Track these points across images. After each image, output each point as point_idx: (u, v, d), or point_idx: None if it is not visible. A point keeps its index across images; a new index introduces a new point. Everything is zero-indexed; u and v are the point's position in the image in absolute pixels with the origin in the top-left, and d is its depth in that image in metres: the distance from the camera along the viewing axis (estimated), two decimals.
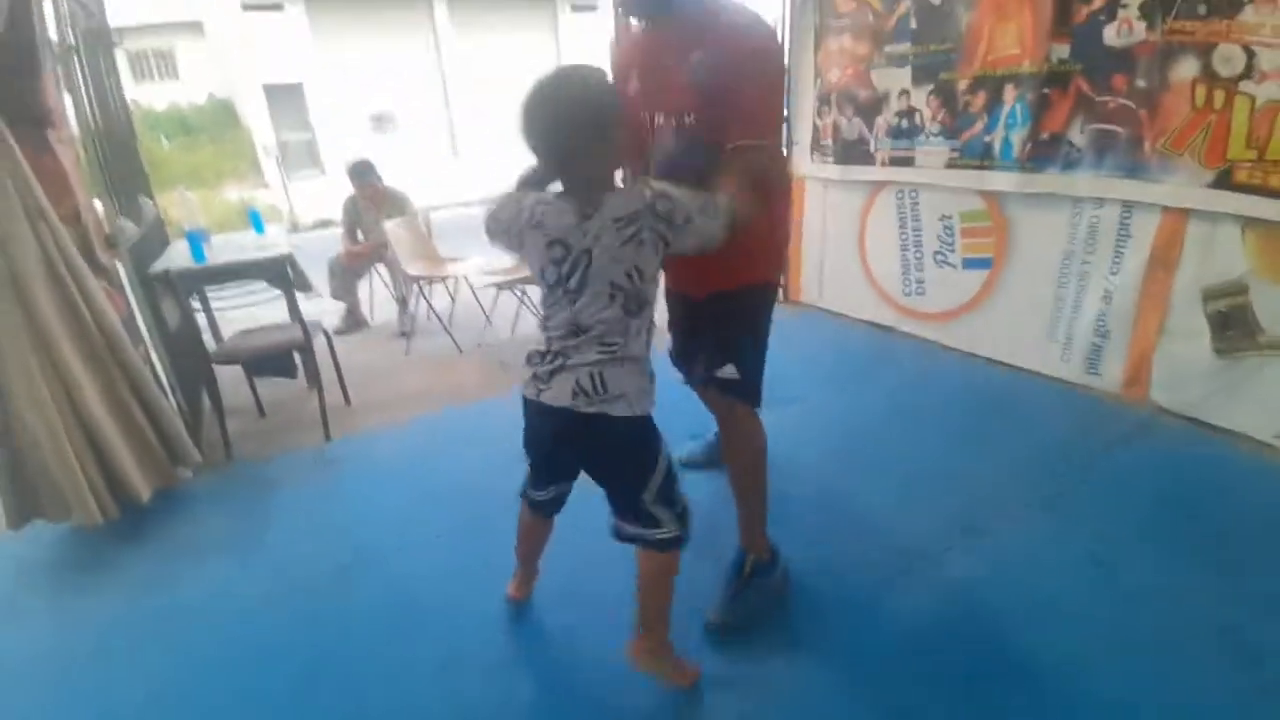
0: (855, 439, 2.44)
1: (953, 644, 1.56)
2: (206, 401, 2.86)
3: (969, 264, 3.01)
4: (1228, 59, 2.09)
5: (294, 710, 1.49)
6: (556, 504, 1.55)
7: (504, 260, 3.81)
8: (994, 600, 1.68)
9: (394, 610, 1.76)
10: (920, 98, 2.99)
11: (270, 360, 2.85)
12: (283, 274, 2.88)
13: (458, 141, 13.77)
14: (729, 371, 1.54)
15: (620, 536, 1.37)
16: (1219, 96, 2.13)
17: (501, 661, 1.59)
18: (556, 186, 1.26)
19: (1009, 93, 2.66)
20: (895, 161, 3.19)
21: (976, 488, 2.10)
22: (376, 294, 4.38)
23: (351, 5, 12.69)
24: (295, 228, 9.66)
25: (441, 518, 2.15)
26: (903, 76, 3.04)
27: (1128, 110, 2.36)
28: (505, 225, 1.28)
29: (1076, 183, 2.53)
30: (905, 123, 3.09)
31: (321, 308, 4.23)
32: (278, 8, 12.23)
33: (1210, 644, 1.50)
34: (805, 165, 3.68)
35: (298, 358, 2.92)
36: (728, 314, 1.55)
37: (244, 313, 4.07)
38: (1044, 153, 2.59)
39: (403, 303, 3.92)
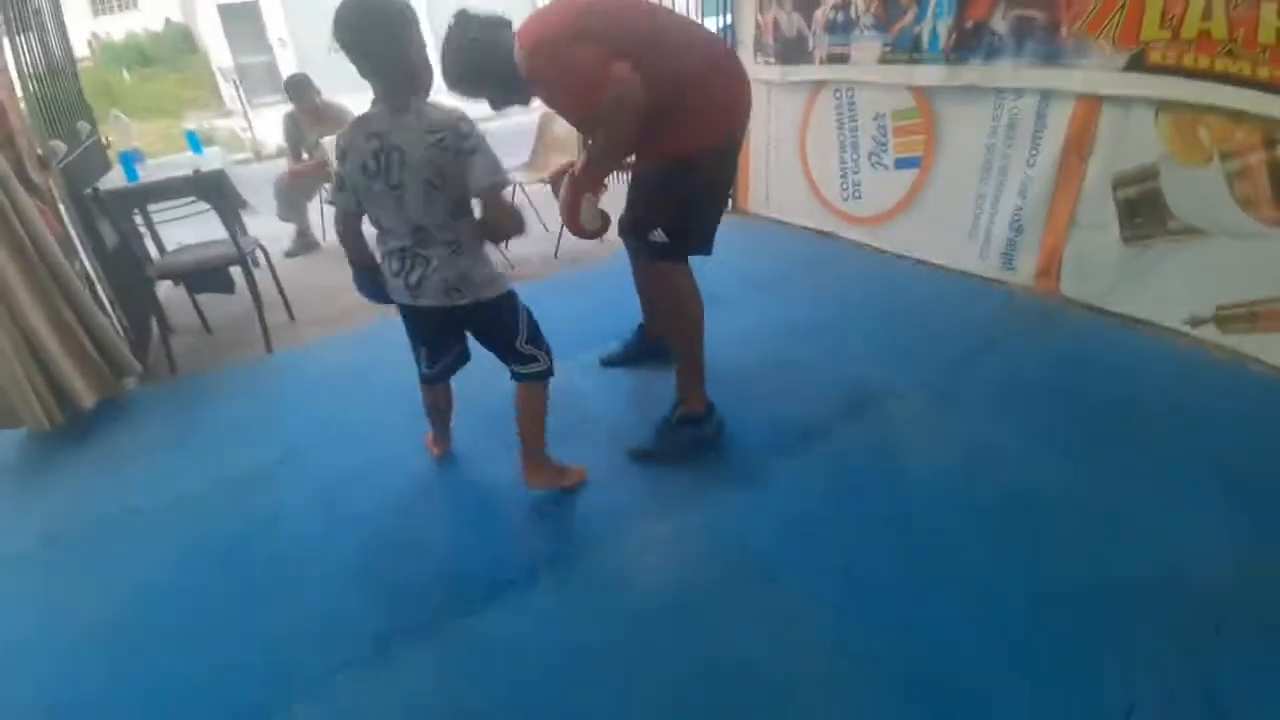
0: (775, 339, 2.53)
1: (827, 513, 1.70)
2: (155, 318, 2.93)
3: (900, 164, 3.03)
4: None
5: (221, 596, 1.60)
6: (449, 370, 1.84)
7: None
8: (867, 472, 1.82)
9: (316, 500, 1.88)
10: None
11: (206, 276, 2.88)
12: (215, 191, 2.89)
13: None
14: (659, 235, 1.76)
15: (513, 376, 1.71)
16: None
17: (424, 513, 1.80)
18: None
19: None
20: (832, 59, 3.14)
21: (872, 380, 2.20)
22: (329, 216, 4.36)
23: None
24: (258, 155, 9.39)
25: (371, 414, 2.26)
26: None
27: None
28: (341, 150, 1.46)
29: (998, 73, 2.53)
30: (841, 16, 3.03)
31: (275, 230, 4.24)
32: None
33: (1084, 522, 1.59)
34: (749, 67, 3.61)
35: (240, 274, 2.96)
36: (652, 186, 1.80)
37: (193, 231, 4.06)
38: (968, 42, 2.57)
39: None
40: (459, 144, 1.39)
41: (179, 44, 14.25)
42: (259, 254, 3.00)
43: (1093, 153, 2.38)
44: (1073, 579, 1.42)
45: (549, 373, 1.71)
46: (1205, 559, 1.43)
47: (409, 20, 1.36)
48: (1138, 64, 2.16)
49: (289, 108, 4.01)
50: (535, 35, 1.64)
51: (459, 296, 1.52)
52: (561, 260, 3.59)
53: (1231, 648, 1.24)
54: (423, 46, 1.40)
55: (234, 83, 11.05)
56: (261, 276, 3.10)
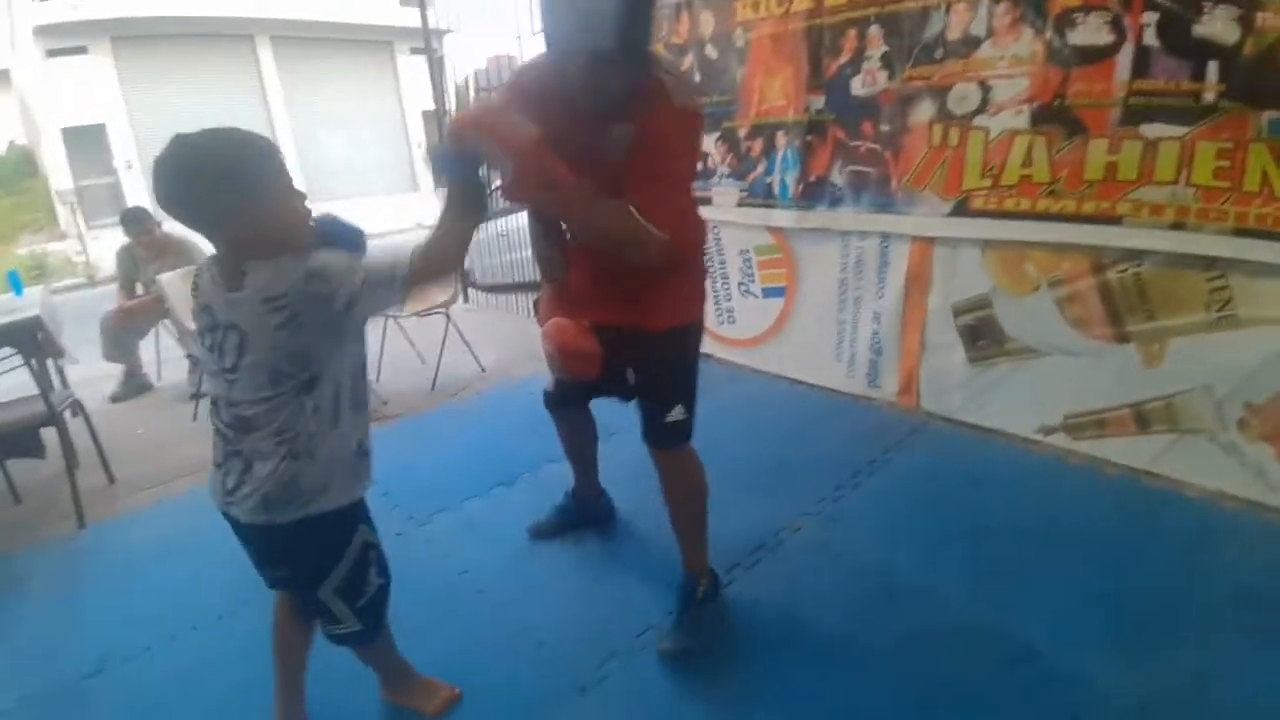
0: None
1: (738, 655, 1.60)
2: None
3: (768, 292, 3.23)
4: (963, 97, 2.35)
5: None
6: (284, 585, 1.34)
7: None
8: (771, 624, 1.75)
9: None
10: (710, 143, 3.20)
11: (12, 440, 2.45)
12: (29, 340, 2.52)
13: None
14: (678, 413, 1.51)
15: (326, 636, 1.31)
16: (954, 134, 2.40)
17: None
18: None
19: (780, 139, 2.92)
20: (698, 201, 3.36)
21: (766, 511, 2.18)
22: (167, 351, 3.94)
23: (165, 44, 11.71)
24: (92, 280, 8.55)
25: (200, 598, 1.93)
26: None
27: (876, 153, 2.65)
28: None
29: (841, 218, 2.80)
30: (701, 165, 3.29)
31: (100, 372, 3.75)
32: (81, 51, 11.06)
33: (961, 641, 1.63)
34: None
35: (53, 435, 2.54)
36: (682, 352, 1.54)
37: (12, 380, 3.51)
38: (813, 192, 2.85)
39: (192, 360, 3.54)
40: (323, 314, 1.03)
41: (20, 167, 13.10)
42: (78, 406, 2.60)
43: (932, 286, 2.65)
44: None
45: (357, 638, 1.31)
46: (1107, 695, 1.45)
47: (239, 175, 1.02)
48: (962, 210, 2.46)
49: (125, 241, 3.67)
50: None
51: (280, 512, 1.11)
52: (439, 393, 3.42)
53: None
54: (270, 197, 1.05)
55: (70, 205, 10.18)
56: (80, 430, 2.69)
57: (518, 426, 2.83)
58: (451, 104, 5.92)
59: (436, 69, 4.71)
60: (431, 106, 4.90)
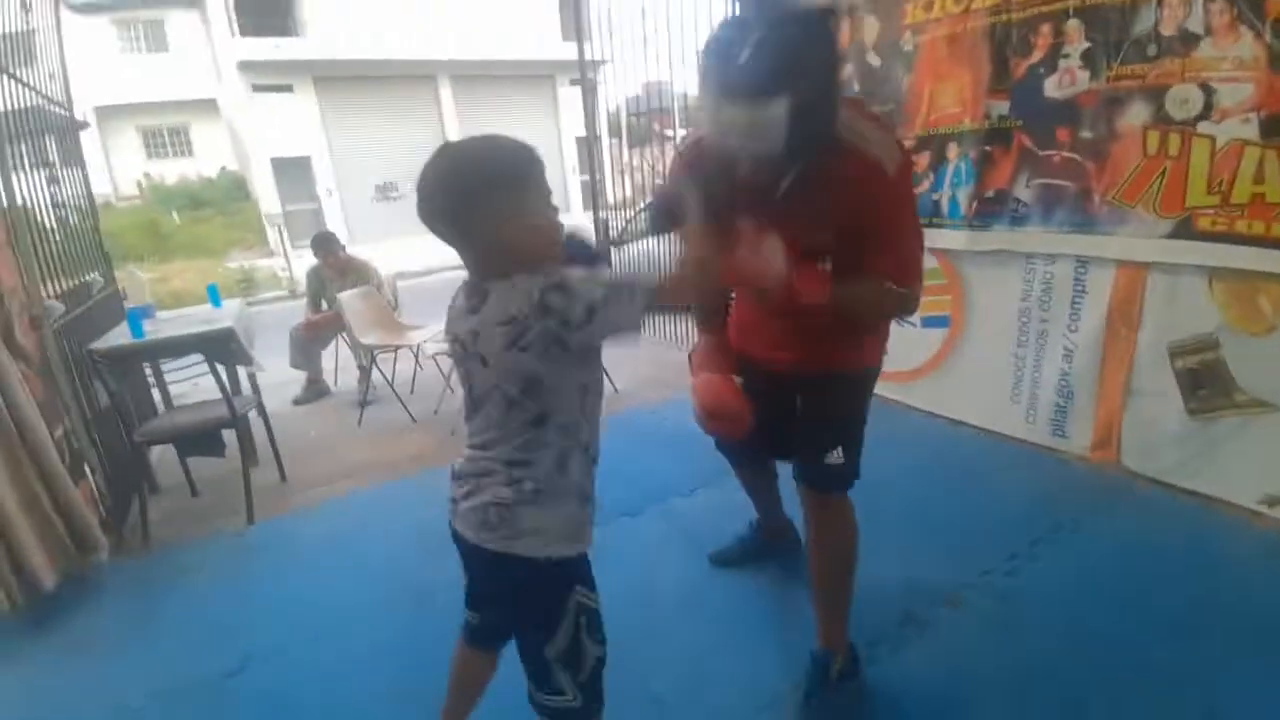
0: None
1: None
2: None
3: (928, 322, 2.90)
4: (1184, 100, 2.00)
5: None
6: (493, 635, 1.24)
7: None
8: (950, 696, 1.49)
9: None
10: None
11: (195, 439, 2.76)
12: (221, 350, 2.83)
13: None
14: (836, 456, 1.41)
15: (532, 702, 1.13)
16: (1174, 141, 2.03)
17: None
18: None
19: (952, 151, 2.61)
20: None
21: (918, 583, 1.89)
22: (345, 360, 4.34)
23: (360, 85, 13.30)
24: (294, 294, 9.80)
25: (354, 598, 2.00)
26: None
27: (1074, 163, 2.28)
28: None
29: (1026, 239, 2.44)
30: None
31: (288, 377, 4.20)
32: (287, 89, 12.85)
33: None
34: None
35: (233, 434, 2.83)
36: (852, 395, 1.45)
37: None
38: (990, 209, 2.51)
39: (363, 371, 3.86)
40: (558, 331, 0.94)
41: (232, 191, 15.51)
42: (261, 409, 2.89)
43: (1143, 320, 2.22)
44: None
45: (582, 715, 1.12)
46: None
47: (509, 181, 0.97)
48: (1184, 231, 2.05)
49: (314, 262, 4.10)
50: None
51: (489, 537, 1.04)
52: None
53: None
54: (531, 208, 0.98)
55: (278, 227, 11.80)
56: (261, 431, 2.99)
57: (647, 453, 2.74)
58: (603, 128, 6.10)
59: (589, 98, 4.84)
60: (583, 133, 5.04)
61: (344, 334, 4.08)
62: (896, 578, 1.87)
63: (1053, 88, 2.29)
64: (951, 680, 1.55)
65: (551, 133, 15.07)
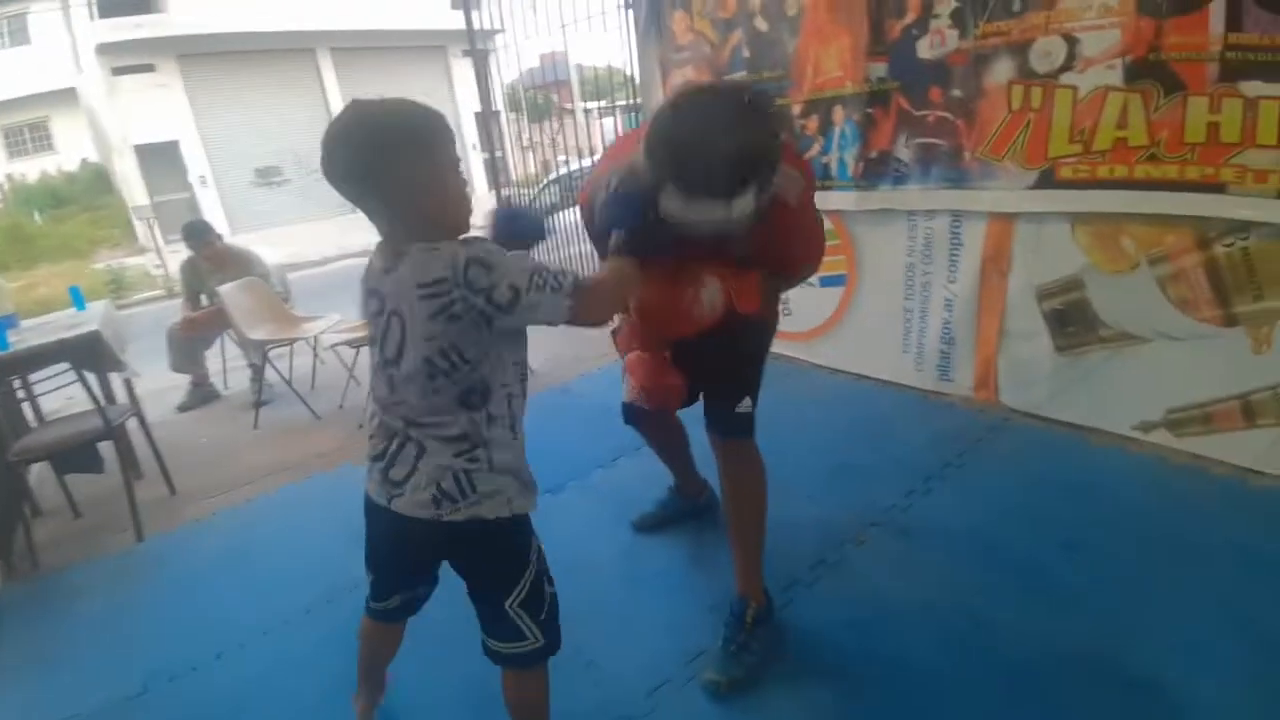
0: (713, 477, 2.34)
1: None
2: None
3: (826, 281, 3.01)
4: (1047, 53, 2.10)
5: None
6: (409, 608, 1.29)
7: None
8: (835, 651, 1.58)
9: None
10: None
11: (71, 455, 2.52)
12: (88, 356, 2.59)
13: None
14: (745, 405, 1.51)
15: (488, 653, 1.16)
16: (1037, 94, 2.15)
17: None
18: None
19: (838, 114, 2.70)
20: None
21: (830, 523, 2.00)
22: (233, 360, 4.06)
23: (231, 61, 12.25)
24: (170, 293, 9.02)
25: (258, 621, 1.89)
26: None
27: (946, 122, 2.41)
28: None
29: (907, 197, 2.57)
30: None
31: (169, 383, 3.89)
32: (148, 69, 11.66)
33: (1069, 673, 1.44)
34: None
35: (112, 447, 2.60)
36: (754, 347, 1.55)
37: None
38: (875, 170, 2.63)
39: (255, 369, 3.62)
40: (482, 306, 0.94)
41: (94, 184, 14.01)
42: (139, 418, 2.65)
43: (1012, 267, 2.39)
44: None
45: (545, 652, 1.15)
46: None
47: (420, 140, 0.97)
48: (1047, 181, 2.20)
49: (188, 254, 3.78)
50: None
51: (449, 509, 1.02)
52: None
53: None
54: (443, 172, 1.00)
55: (147, 221, 10.79)
56: (143, 441, 2.76)
57: (566, 431, 2.73)
58: (500, 103, 5.89)
59: (482, 69, 4.66)
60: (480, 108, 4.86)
61: (230, 331, 3.81)
62: (807, 524, 1.97)
63: (925, 49, 2.40)
64: (864, 612, 1.65)
65: (448, 107, 14.45)
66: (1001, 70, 2.22)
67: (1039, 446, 2.30)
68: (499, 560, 1.11)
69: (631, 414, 1.81)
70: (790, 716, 1.41)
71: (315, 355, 3.81)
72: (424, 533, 1.05)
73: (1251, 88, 1.77)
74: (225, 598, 2.03)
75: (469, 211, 1.05)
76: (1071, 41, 2.05)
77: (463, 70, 14.14)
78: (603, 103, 5.33)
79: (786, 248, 1.43)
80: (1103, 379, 2.26)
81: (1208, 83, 1.83)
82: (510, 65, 4.49)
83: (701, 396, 1.59)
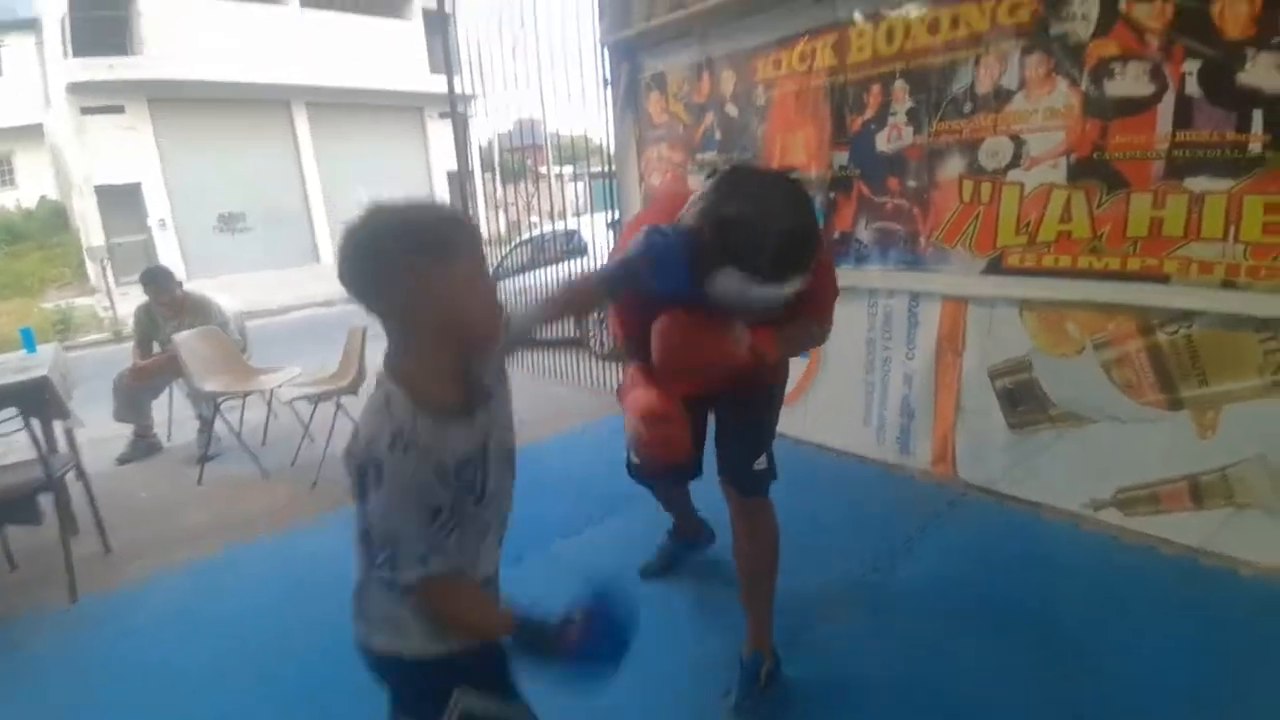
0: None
1: None
2: None
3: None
4: (994, 152, 2.27)
5: None
6: None
7: (325, 369, 3.53)
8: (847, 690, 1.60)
9: None
10: None
11: (7, 506, 2.36)
12: (35, 401, 2.47)
13: (320, 243, 13.30)
14: (762, 462, 1.57)
15: None
16: (986, 189, 2.31)
17: None
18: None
19: None
20: None
21: (799, 596, 1.97)
22: (180, 411, 3.89)
23: (202, 108, 12.22)
24: (118, 336, 8.69)
25: (182, 700, 1.77)
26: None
27: (903, 209, 2.56)
28: None
29: (868, 276, 2.70)
30: None
31: (111, 432, 3.71)
32: (118, 110, 11.55)
33: None
34: None
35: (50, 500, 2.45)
36: (769, 407, 1.63)
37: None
38: (838, 250, 2.75)
39: (204, 422, 3.48)
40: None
41: (50, 221, 13.62)
42: (79, 471, 2.52)
43: (966, 346, 2.51)
44: None
45: None
46: None
47: (433, 251, 0.82)
48: (996, 267, 2.34)
49: (143, 300, 3.67)
50: None
51: (360, 632, 0.96)
52: None
53: None
54: (461, 284, 0.84)
55: (100, 261, 10.48)
56: (81, 494, 2.61)
57: (544, 491, 2.68)
58: (475, 163, 6.02)
59: (460, 131, 4.78)
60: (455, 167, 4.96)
61: (180, 381, 3.67)
62: (779, 596, 1.96)
63: (883, 142, 2.57)
64: (837, 687, 1.67)
65: (420, 166, 14.67)
66: (953, 165, 2.39)
67: (995, 521, 2.36)
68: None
69: (635, 471, 1.87)
70: None
71: (270, 409, 3.69)
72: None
73: (1197, 183, 1.89)
74: (155, 669, 1.89)
75: (494, 321, 0.92)
76: (1018, 142, 2.22)
77: (438, 130, 14.38)
78: (575, 168, 5.50)
79: (818, 287, 1.39)
80: (1054, 457, 2.35)
81: (1152, 179, 1.96)
82: (485, 127, 4.61)
83: (716, 454, 1.65)
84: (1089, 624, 1.80)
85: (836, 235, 2.75)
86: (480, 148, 6.35)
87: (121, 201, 11.62)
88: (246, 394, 3.41)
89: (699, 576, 2.13)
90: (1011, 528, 2.31)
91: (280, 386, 3.33)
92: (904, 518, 2.38)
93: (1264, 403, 1.90)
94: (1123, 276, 2.07)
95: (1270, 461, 1.92)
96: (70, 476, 2.55)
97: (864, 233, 2.68)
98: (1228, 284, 1.89)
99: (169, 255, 11.16)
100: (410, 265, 0.81)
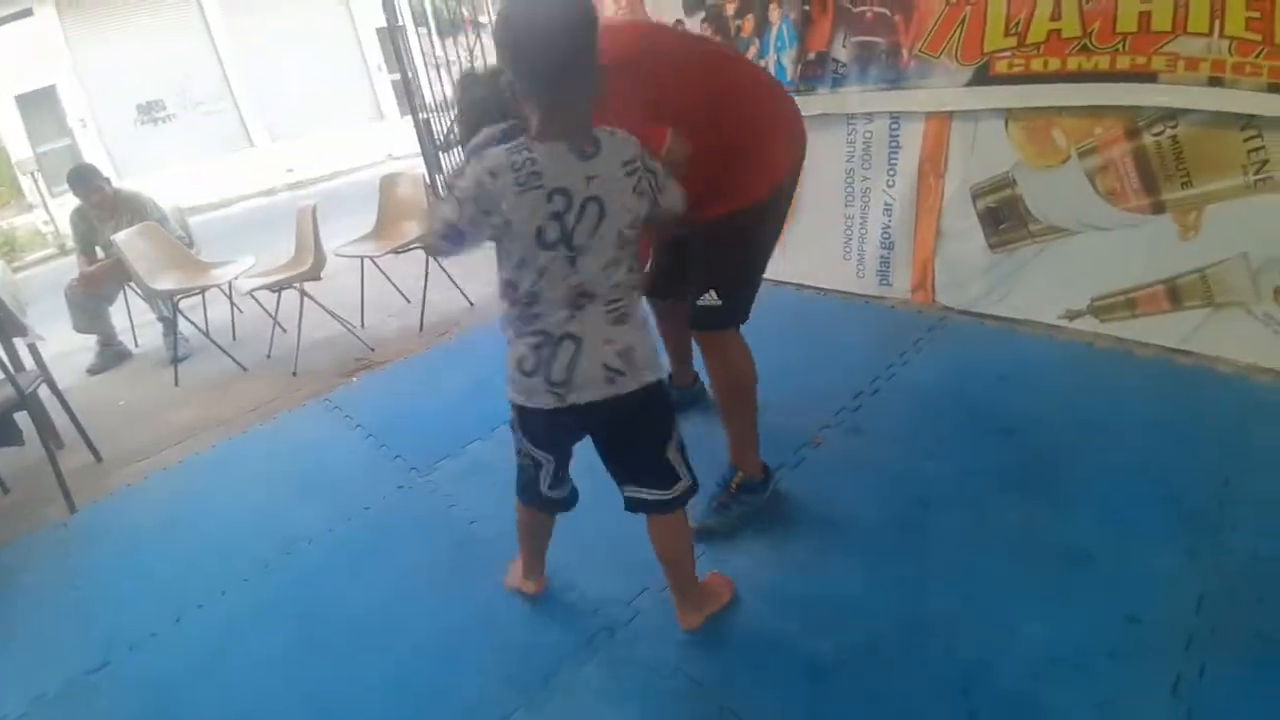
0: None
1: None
2: None
3: None
4: None
5: None
6: (569, 502, 1.42)
7: (277, 258, 3.37)
8: (802, 540, 1.66)
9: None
10: (695, 26, 2.86)
11: None
12: None
13: (250, 127, 12.32)
14: (710, 298, 1.55)
15: (637, 507, 1.31)
16: None
17: None
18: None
19: (774, 13, 2.59)
20: None
21: (785, 428, 2.03)
22: (140, 315, 3.76)
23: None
24: (63, 249, 8.21)
25: (213, 582, 1.82)
26: (674, 5, 2.90)
27: (884, 18, 2.34)
28: (475, 197, 1.06)
29: (846, 100, 2.52)
30: None
31: (77, 344, 3.59)
32: (27, 14, 10.29)
33: (1008, 546, 1.53)
34: None
35: (27, 417, 2.40)
36: (719, 241, 1.55)
37: None
38: (813, 72, 2.56)
39: (166, 323, 3.36)
40: (653, 183, 1.13)
41: None
42: (50, 384, 2.45)
43: (948, 167, 2.41)
44: (1036, 632, 1.32)
45: (695, 489, 1.32)
46: (1164, 591, 1.36)
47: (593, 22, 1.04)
48: (982, 77, 2.19)
49: (77, 204, 3.41)
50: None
51: (623, 383, 1.14)
52: (429, 333, 3.25)
53: (1216, 684, 1.17)
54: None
55: (32, 175, 9.70)
56: (59, 409, 2.56)
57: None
58: (407, 16, 5.39)
59: None
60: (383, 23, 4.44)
61: (133, 284, 3.50)
62: (764, 431, 2.01)
63: None
64: (824, 507, 1.75)
65: (345, 25, 13.30)
66: None
67: (974, 341, 2.39)
68: (656, 417, 1.25)
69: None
70: (753, 564, 1.57)
71: (232, 303, 3.56)
72: (599, 412, 1.16)
73: None
74: (174, 562, 1.94)
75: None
76: None
77: None
78: None
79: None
80: (1032, 273, 2.35)
81: None
82: None
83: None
84: (1065, 426, 1.87)
85: (812, 55, 2.54)
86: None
87: (40, 107, 10.73)
88: (203, 289, 3.27)
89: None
90: (989, 346, 2.34)
91: (237, 279, 3.18)
92: (886, 347, 2.40)
93: (1246, 201, 1.88)
94: (1112, 77, 1.96)
95: (1251, 260, 1.92)
96: (45, 393, 2.49)
97: (841, 50, 2.47)
98: (1214, 80, 1.81)
99: (95, 155, 10.34)
100: (589, 45, 1.03)
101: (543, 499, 1.38)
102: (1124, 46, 1.91)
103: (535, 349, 1.13)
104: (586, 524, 1.52)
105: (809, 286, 2.98)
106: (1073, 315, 2.30)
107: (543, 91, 1.03)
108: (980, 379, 2.16)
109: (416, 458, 2.21)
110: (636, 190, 1.09)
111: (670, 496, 1.28)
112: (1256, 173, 1.84)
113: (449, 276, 3.42)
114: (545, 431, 1.26)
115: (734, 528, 1.68)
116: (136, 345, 3.71)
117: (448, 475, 2.11)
